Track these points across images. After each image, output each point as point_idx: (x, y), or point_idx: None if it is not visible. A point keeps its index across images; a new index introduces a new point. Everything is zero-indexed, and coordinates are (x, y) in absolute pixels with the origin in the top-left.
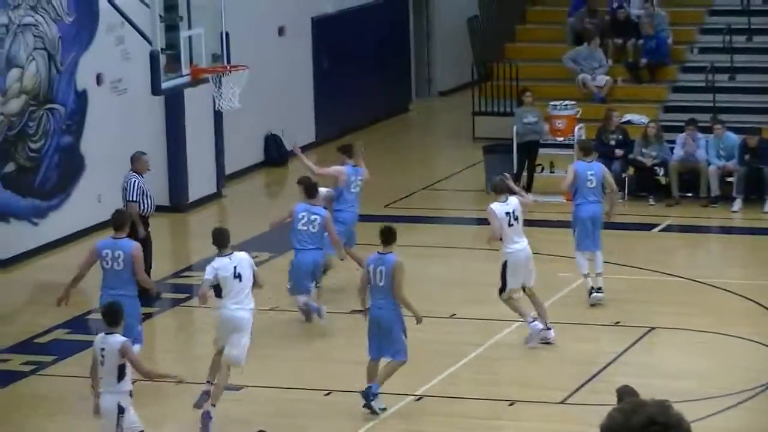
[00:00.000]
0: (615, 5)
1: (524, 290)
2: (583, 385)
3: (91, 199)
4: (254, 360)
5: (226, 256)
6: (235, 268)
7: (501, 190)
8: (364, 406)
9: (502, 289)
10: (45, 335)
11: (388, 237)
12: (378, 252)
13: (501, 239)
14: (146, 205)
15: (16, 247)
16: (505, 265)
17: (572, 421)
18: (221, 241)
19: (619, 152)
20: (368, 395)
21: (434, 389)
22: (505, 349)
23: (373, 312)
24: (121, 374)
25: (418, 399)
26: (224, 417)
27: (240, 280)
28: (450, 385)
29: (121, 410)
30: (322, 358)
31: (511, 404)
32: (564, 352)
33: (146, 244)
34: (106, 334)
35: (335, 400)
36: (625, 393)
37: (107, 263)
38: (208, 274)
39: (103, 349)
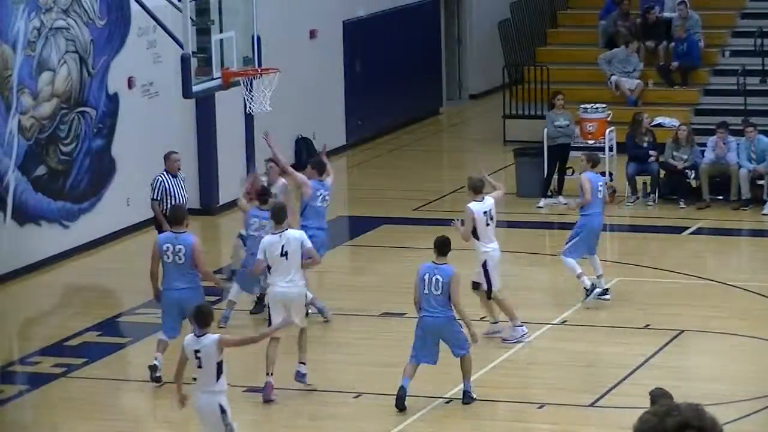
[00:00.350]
0: (645, 6)
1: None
2: (612, 388)
3: (122, 202)
4: (284, 362)
5: (278, 233)
6: (282, 246)
7: (479, 190)
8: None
9: (490, 290)
10: (75, 338)
11: (443, 248)
12: (433, 261)
13: (478, 239)
14: (169, 205)
15: (47, 249)
16: (485, 265)
17: (602, 424)
18: (278, 217)
19: (653, 154)
20: (466, 396)
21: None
22: (535, 352)
23: (426, 319)
24: (218, 373)
25: (448, 402)
26: (252, 420)
27: (286, 258)
28: (480, 387)
29: (222, 410)
30: (351, 360)
31: (540, 407)
32: (594, 355)
33: None
34: (197, 336)
35: (364, 402)
36: (658, 396)
37: (168, 257)
38: (259, 252)
39: (198, 351)
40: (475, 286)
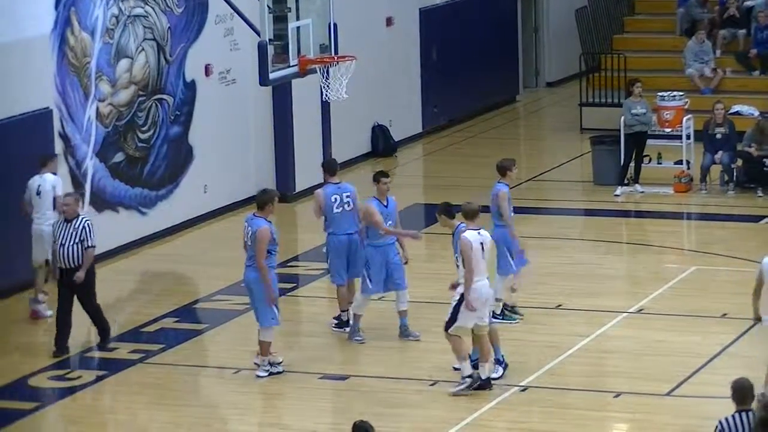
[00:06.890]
0: None
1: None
2: (689, 377)
3: (199, 188)
4: (359, 349)
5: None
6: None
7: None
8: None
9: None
10: (152, 324)
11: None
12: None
13: None
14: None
15: (125, 236)
16: None
17: (678, 413)
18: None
19: (716, 157)
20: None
21: (539, 380)
22: (611, 340)
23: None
24: None
25: (523, 390)
26: (324, 407)
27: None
28: (555, 376)
29: None
30: (428, 348)
31: (616, 396)
32: (670, 344)
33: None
34: None
35: (440, 390)
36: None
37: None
38: None
39: None
40: None
